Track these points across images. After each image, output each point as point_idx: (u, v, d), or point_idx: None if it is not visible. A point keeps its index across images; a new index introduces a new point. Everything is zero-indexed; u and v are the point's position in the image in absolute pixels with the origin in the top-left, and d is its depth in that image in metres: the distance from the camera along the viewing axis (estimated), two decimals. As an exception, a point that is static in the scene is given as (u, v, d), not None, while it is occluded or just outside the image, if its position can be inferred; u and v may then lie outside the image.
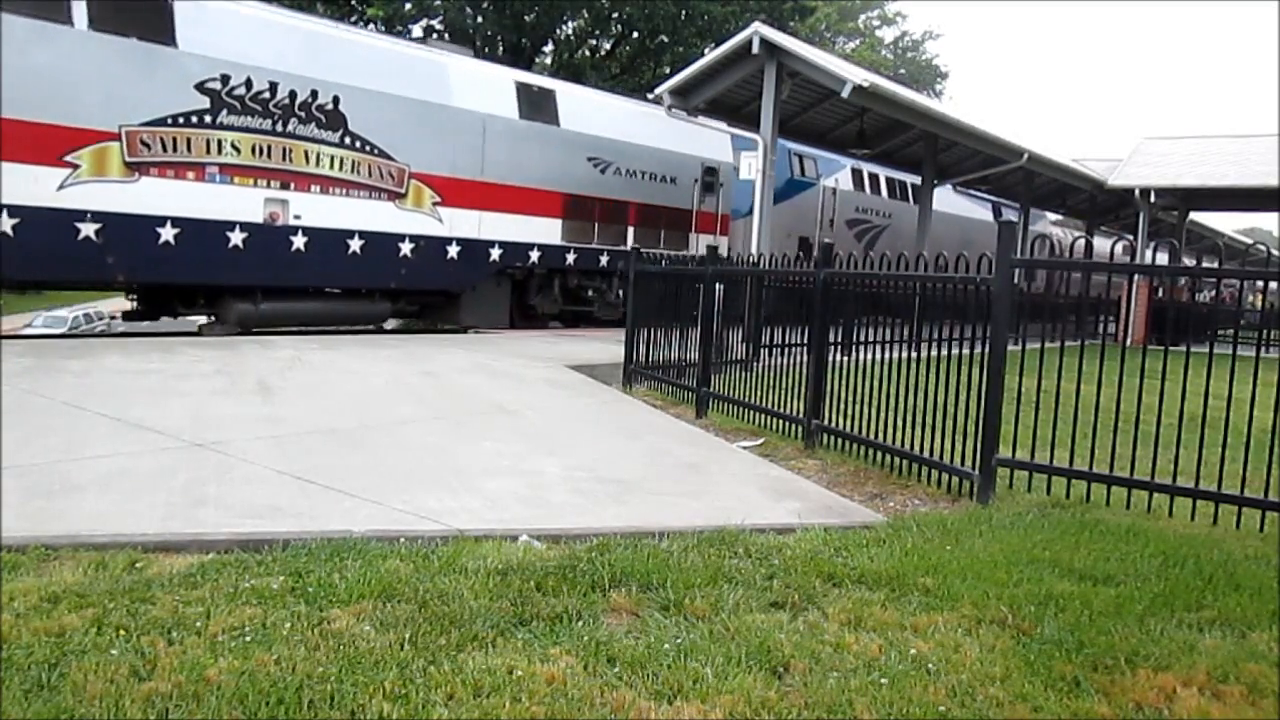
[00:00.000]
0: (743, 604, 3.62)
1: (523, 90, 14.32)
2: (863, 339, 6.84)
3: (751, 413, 7.68)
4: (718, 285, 8.44)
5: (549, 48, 29.29)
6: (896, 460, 6.13)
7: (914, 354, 6.11)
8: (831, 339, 6.98)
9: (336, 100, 11.80)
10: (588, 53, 29.38)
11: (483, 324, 14.08)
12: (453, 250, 13.38)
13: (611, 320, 15.93)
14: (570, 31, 28.91)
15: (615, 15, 26.77)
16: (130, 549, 3.81)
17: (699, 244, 16.92)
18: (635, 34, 27.82)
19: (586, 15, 27.03)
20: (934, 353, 6.00)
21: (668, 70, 23.82)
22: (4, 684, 2.70)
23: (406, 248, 12.79)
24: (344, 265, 12.17)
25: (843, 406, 6.61)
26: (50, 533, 3.90)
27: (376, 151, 12.29)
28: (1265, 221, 70.97)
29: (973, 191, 25.63)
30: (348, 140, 11.97)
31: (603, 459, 6.06)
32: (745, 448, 6.91)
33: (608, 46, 29.48)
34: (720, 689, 2.91)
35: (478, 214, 13.65)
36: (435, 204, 13.09)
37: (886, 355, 6.54)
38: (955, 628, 3.50)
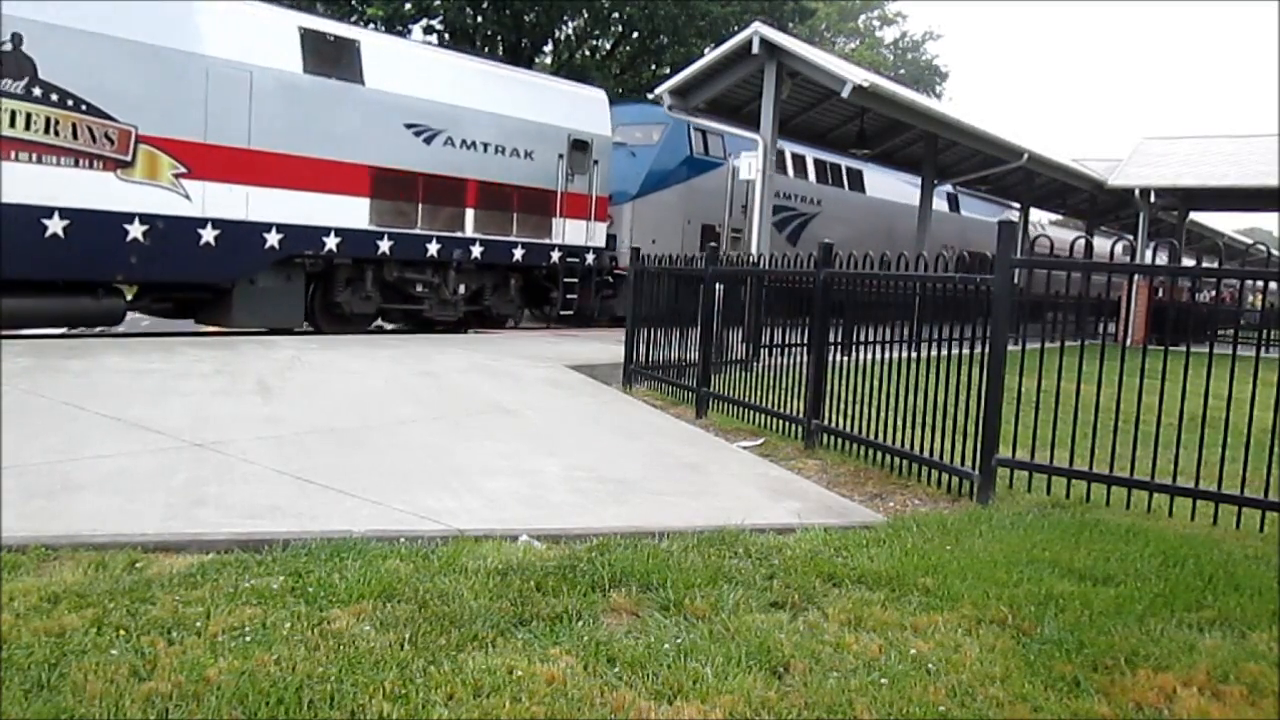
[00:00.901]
0: (743, 604, 3.62)
1: (310, 39, 11.56)
2: (863, 339, 6.84)
3: (751, 413, 7.68)
4: (717, 285, 8.44)
5: (549, 48, 29.30)
6: (896, 460, 6.13)
7: (914, 354, 6.11)
8: (831, 339, 6.98)
9: (17, 40, 9.13)
10: (588, 53, 29.39)
11: (267, 324, 11.68)
12: (208, 234, 10.68)
13: (449, 321, 13.75)
14: (570, 32, 28.91)
15: (615, 15, 26.77)
16: (130, 549, 3.81)
17: (566, 231, 14.71)
18: (635, 34, 27.83)
19: (586, 15, 27.03)
20: (934, 353, 6.00)
21: (668, 71, 23.80)
22: (4, 684, 2.70)
23: (136, 230, 10.09)
24: (40, 251, 9.47)
25: (843, 406, 6.61)
26: (50, 533, 3.90)
27: (85, 108, 9.61)
28: (1265, 221, 70.95)
29: (916, 179, 23.15)
30: (38, 92, 9.30)
31: (603, 459, 6.06)
32: (745, 448, 6.91)
33: (608, 47, 29.49)
34: (720, 689, 2.91)
35: (244, 189, 10.99)
36: (179, 176, 10.42)
37: (886, 355, 6.54)
38: (955, 628, 3.50)
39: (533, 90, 14.55)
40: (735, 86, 14.50)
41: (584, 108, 15.15)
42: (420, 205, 12.91)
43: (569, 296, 14.95)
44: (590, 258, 15.28)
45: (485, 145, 13.61)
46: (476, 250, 13.70)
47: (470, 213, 13.54)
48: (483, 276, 14.20)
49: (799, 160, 20.33)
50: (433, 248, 13.14)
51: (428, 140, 12.89)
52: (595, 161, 15.10)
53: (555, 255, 14.73)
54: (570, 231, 14.82)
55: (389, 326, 14.39)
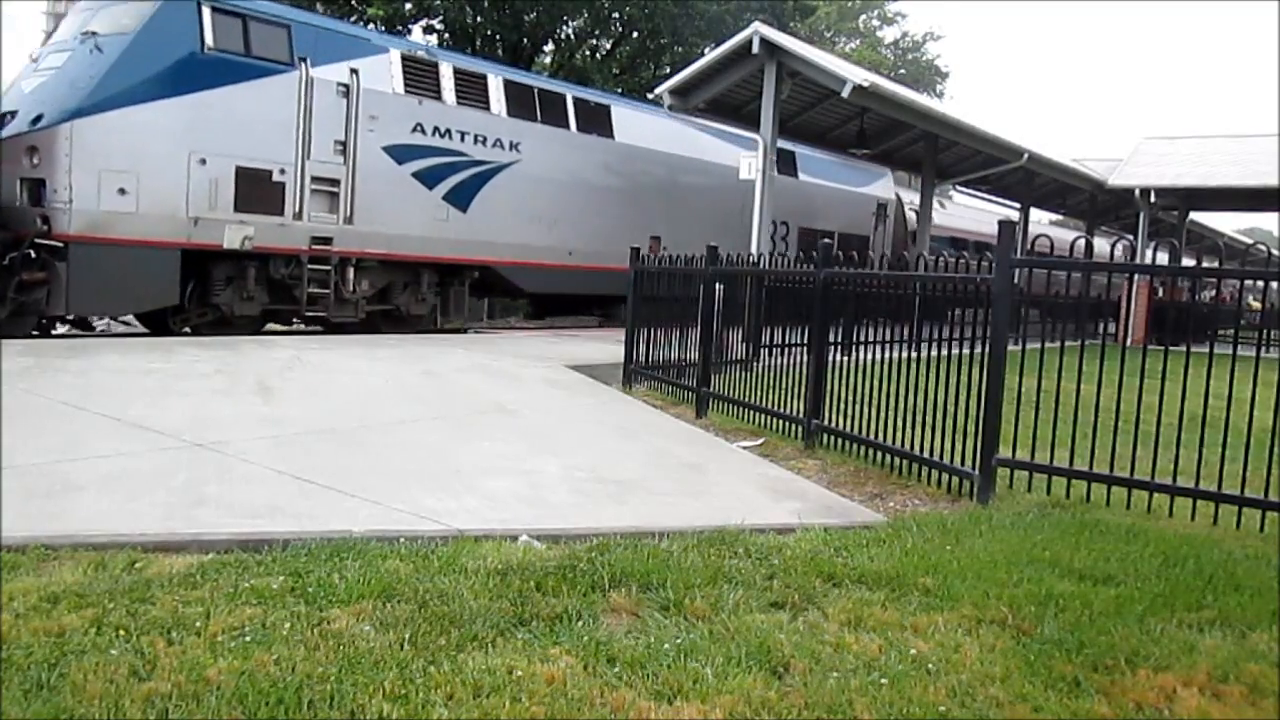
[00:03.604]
0: (743, 604, 3.62)
1: None
2: (863, 339, 6.84)
3: (751, 413, 7.68)
4: (718, 285, 8.44)
5: (549, 47, 29.29)
6: (896, 460, 6.12)
7: (914, 354, 6.11)
8: (831, 339, 6.98)
9: None
10: (588, 53, 29.38)
11: None
12: None
13: None
14: (570, 31, 28.90)
15: (615, 15, 26.76)
16: (130, 549, 3.81)
17: None
18: (635, 34, 27.82)
19: (587, 15, 27.02)
20: (934, 353, 5.99)
21: (668, 70, 23.77)
22: (4, 684, 2.70)
23: None
24: None
25: (843, 406, 6.61)
26: (50, 533, 3.90)
27: None
28: (1265, 221, 70.96)
29: (733, 129, 16.57)
30: None
31: (603, 459, 6.06)
32: (745, 448, 6.91)
33: (608, 46, 29.48)
34: (720, 689, 2.91)
35: None
36: None
37: (886, 355, 6.54)
38: (955, 628, 3.49)
39: None
40: (735, 86, 14.49)
41: None
42: None
43: None
44: None
45: None
46: None
47: None
48: None
49: (471, 82, 13.64)
50: None
51: None
52: None
53: None
54: None
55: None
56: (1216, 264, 5.33)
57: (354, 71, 12.06)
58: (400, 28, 24.17)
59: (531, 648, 3.14)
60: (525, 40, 26.51)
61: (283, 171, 11.49)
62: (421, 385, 8.11)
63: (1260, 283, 6.03)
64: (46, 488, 4.49)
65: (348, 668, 2.90)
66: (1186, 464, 5.29)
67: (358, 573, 3.64)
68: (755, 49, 13.24)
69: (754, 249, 12.91)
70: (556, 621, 3.36)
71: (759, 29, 13.32)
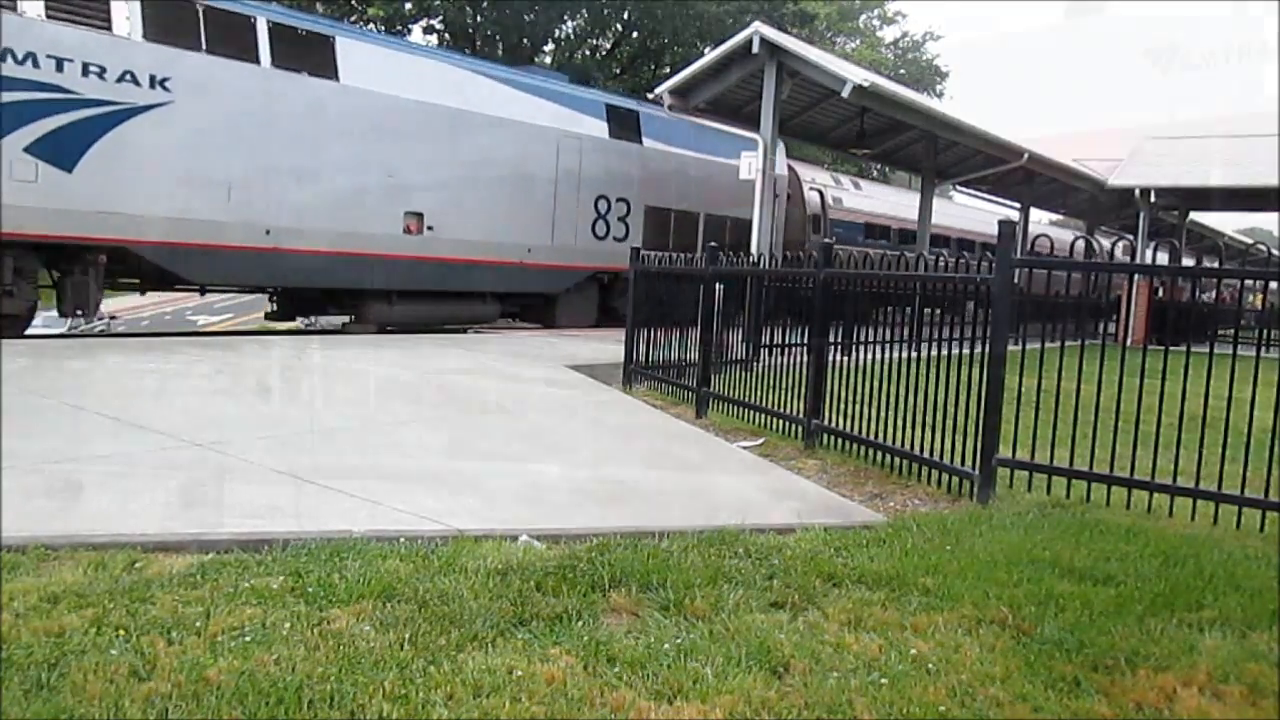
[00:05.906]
0: (743, 604, 3.62)
1: None
2: (863, 339, 6.84)
3: (751, 413, 7.68)
4: (717, 285, 8.44)
5: (549, 47, 29.30)
6: (896, 460, 6.12)
7: (914, 354, 6.11)
8: (831, 339, 6.98)
9: None
10: (588, 53, 29.37)
11: None
12: None
13: None
14: (570, 31, 28.90)
15: (615, 15, 26.79)
16: (130, 549, 3.80)
17: None
18: (635, 34, 27.84)
19: (586, 15, 27.03)
20: (934, 352, 5.99)
21: (668, 70, 23.77)
22: (4, 684, 2.70)
23: None
24: None
25: (843, 406, 6.61)
26: (50, 533, 3.90)
27: None
28: (1265, 221, 70.88)
29: (559, 84, 14.38)
30: None
31: (603, 459, 6.06)
32: (745, 448, 6.91)
33: (608, 46, 29.48)
34: (720, 689, 2.91)
35: None
36: None
37: (886, 355, 6.54)
38: (955, 628, 3.49)
39: None
40: (736, 86, 14.48)
41: None
42: None
43: None
44: None
45: None
46: None
47: None
48: None
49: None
50: None
51: None
52: None
53: None
54: None
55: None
56: (1216, 264, 5.33)
57: None
58: (400, 27, 24.19)
59: (531, 648, 3.14)
60: (525, 40, 26.51)
61: None
62: (422, 385, 8.11)
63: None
64: (46, 488, 4.49)
65: (348, 668, 2.90)
66: (1186, 464, 5.29)
67: (358, 573, 3.64)
68: (755, 49, 13.23)
69: (755, 248, 12.91)
70: (556, 621, 3.36)
71: (759, 29, 13.31)
